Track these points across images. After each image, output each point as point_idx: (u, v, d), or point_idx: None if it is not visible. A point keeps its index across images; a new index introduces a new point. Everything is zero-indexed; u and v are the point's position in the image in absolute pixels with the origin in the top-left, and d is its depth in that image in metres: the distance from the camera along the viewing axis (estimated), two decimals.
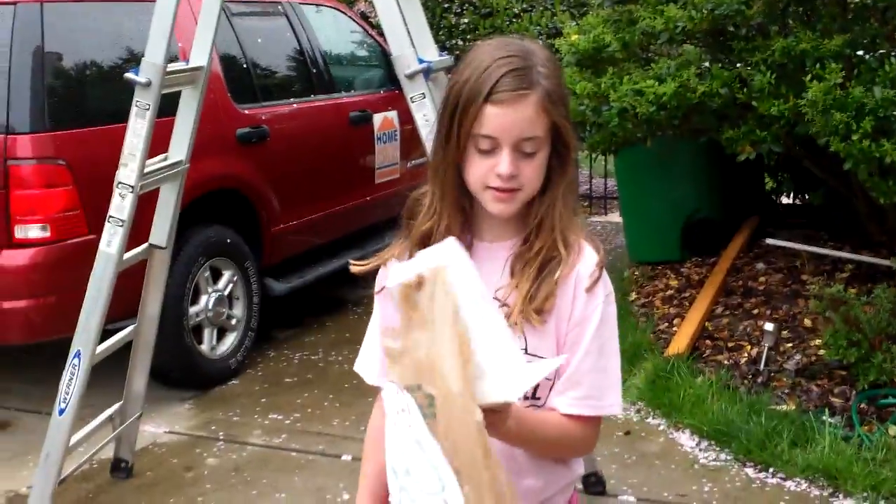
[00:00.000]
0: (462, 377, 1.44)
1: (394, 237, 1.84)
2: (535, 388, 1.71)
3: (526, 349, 1.68)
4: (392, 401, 1.50)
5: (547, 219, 1.70)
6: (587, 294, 1.69)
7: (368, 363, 1.84)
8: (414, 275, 1.48)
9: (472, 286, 1.51)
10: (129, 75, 3.56)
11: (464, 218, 1.73)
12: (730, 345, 5.03)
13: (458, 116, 1.65)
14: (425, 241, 1.72)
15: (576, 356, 1.70)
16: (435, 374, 1.45)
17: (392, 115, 6.60)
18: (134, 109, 3.55)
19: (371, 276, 1.83)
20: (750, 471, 4.02)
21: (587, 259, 1.71)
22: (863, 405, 4.28)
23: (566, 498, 1.81)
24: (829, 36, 4.44)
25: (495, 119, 1.62)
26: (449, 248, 1.54)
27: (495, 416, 1.52)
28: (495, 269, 1.72)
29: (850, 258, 5.48)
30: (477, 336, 1.47)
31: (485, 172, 1.66)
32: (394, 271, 1.54)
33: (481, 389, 1.47)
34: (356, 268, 1.83)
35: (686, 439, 4.31)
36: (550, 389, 1.72)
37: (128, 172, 3.57)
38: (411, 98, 3.54)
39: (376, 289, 1.82)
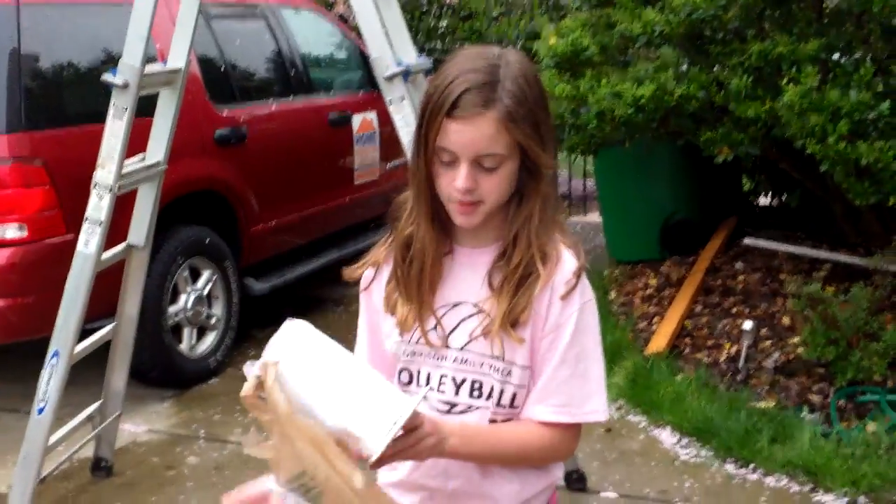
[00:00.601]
0: (327, 462, 1.49)
1: (379, 235, 1.86)
2: (513, 398, 1.73)
3: (503, 357, 1.70)
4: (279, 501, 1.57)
5: (523, 233, 1.70)
6: (562, 301, 1.69)
7: None
8: (252, 380, 1.53)
9: (315, 363, 1.54)
10: (107, 77, 3.55)
11: (440, 224, 1.74)
12: (709, 343, 5.06)
13: (424, 127, 1.66)
14: (408, 244, 1.75)
15: (551, 364, 1.70)
16: (310, 461, 1.50)
17: (371, 116, 6.61)
18: (111, 111, 3.54)
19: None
20: (730, 467, 4.05)
21: (564, 267, 1.71)
22: (841, 402, 4.31)
23: (546, 498, 1.82)
24: (805, 40, 4.48)
25: (455, 134, 1.62)
26: (285, 333, 1.57)
27: (423, 447, 1.57)
28: (475, 276, 1.74)
29: (827, 258, 5.52)
30: (333, 412, 1.51)
31: (448, 185, 1.66)
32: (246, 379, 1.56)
33: (364, 448, 1.51)
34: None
35: (667, 436, 4.33)
36: (527, 396, 1.73)
37: (105, 174, 3.56)
38: (390, 100, 3.53)
39: (362, 286, 1.84)
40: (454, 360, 1.72)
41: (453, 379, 1.73)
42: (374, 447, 1.49)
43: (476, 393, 1.72)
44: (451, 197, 1.67)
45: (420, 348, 1.75)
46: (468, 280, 1.74)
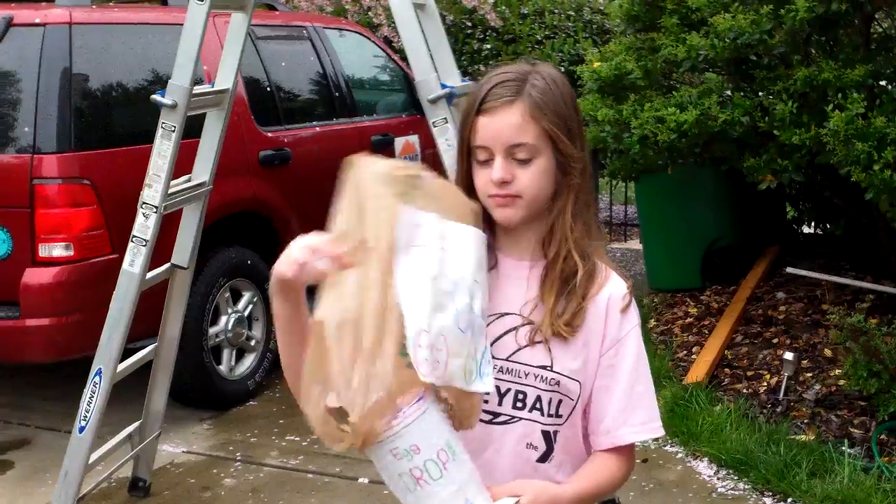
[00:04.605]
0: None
1: None
2: (558, 405, 1.72)
3: (551, 366, 1.70)
4: None
5: (557, 226, 1.73)
6: (622, 315, 1.72)
7: None
8: None
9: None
10: (156, 97, 3.60)
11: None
12: (749, 374, 5.01)
13: (461, 132, 1.74)
14: None
15: (621, 380, 1.71)
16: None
17: (413, 139, 6.64)
18: (160, 131, 3.59)
19: None
20: (768, 500, 4.00)
21: (618, 282, 1.74)
22: (883, 436, 4.25)
23: None
24: (851, 66, 4.45)
25: (484, 129, 1.69)
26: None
27: None
28: (521, 287, 1.75)
29: (872, 288, 5.46)
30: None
31: (485, 182, 1.71)
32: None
33: None
34: None
35: (704, 468, 4.29)
36: (574, 407, 1.72)
37: (152, 193, 3.61)
38: (433, 122, 3.58)
39: None
40: (498, 370, 1.71)
41: (497, 388, 1.71)
42: None
43: (520, 404, 1.72)
44: (489, 193, 1.71)
45: None
46: (514, 291, 1.75)
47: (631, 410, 1.72)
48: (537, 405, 1.71)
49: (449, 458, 1.53)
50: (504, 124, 1.68)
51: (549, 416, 1.72)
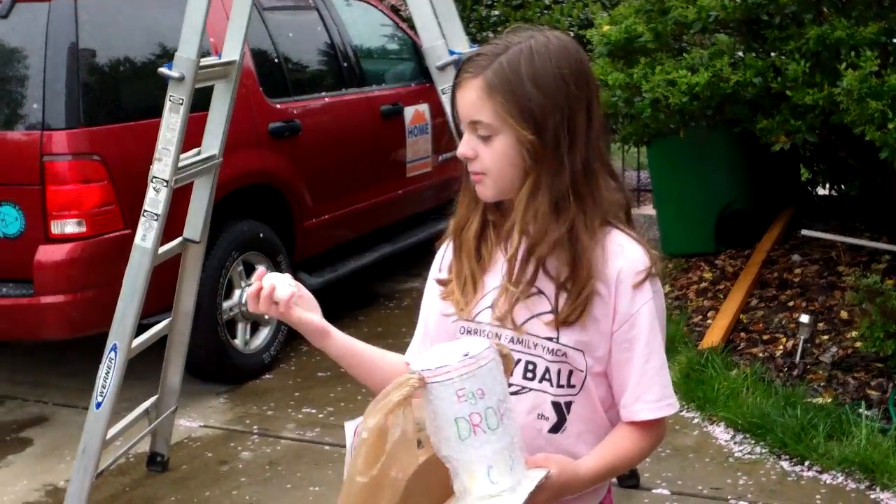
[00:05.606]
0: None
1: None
2: (569, 376, 1.70)
3: (557, 338, 1.68)
4: None
5: (516, 214, 1.69)
6: (634, 290, 1.68)
7: (412, 346, 1.94)
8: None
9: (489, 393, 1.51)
10: (163, 70, 3.59)
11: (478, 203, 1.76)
12: (765, 337, 4.99)
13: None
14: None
15: (637, 358, 1.69)
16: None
17: (423, 108, 6.60)
18: (168, 104, 3.58)
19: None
20: (785, 464, 4.00)
21: (630, 256, 1.69)
22: None
23: (601, 495, 1.81)
24: (864, 23, 4.39)
25: (457, 102, 1.71)
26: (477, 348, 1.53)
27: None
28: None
29: (888, 249, 5.42)
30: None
31: None
32: (425, 358, 1.54)
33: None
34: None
35: (721, 432, 4.29)
36: (584, 379, 1.71)
37: (162, 167, 3.60)
38: (442, 90, 3.57)
39: (435, 265, 1.87)
40: (509, 340, 1.70)
41: None
42: None
43: (530, 374, 1.71)
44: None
45: (472, 326, 1.74)
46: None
47: (644, 388, 1.70)
48: (546, 376, 1.70)
49: (506, 412, 1.52)
50: (464, 100, 1.68)
51: (560, 386, 1.70)
